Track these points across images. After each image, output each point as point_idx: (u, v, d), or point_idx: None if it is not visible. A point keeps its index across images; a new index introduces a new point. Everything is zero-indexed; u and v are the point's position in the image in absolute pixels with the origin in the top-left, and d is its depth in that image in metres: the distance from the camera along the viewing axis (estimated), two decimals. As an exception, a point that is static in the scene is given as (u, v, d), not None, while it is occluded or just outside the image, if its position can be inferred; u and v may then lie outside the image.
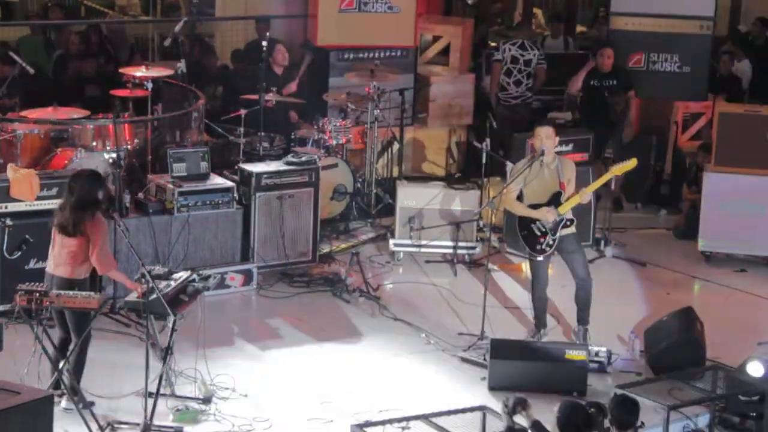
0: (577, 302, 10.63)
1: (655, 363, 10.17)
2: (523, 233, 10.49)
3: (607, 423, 7.74)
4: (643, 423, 7.59)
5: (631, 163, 10.60)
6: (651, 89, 14.73)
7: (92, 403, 9.00)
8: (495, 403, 8.44)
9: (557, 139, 10.56)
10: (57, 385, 8.95)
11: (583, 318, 10.62)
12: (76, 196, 9.05)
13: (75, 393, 8.87)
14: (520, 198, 10.50)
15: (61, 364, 8.88)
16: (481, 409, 8.64)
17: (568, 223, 10.41)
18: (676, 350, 10.07)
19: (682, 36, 14.79)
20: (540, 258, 10.45)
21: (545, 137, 10.39)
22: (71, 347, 9.00)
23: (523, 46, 14.82)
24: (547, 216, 10.34)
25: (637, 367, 10.24)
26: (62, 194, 9.47)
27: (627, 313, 11.44)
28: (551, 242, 10.38)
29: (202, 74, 14.29)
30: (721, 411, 9.52)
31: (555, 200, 10.38)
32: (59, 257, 9.08)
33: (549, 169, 10.43)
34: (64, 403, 8.92)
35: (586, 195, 10.42)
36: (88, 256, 9.01)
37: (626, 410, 7.57)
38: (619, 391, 9.02)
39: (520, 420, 7.84)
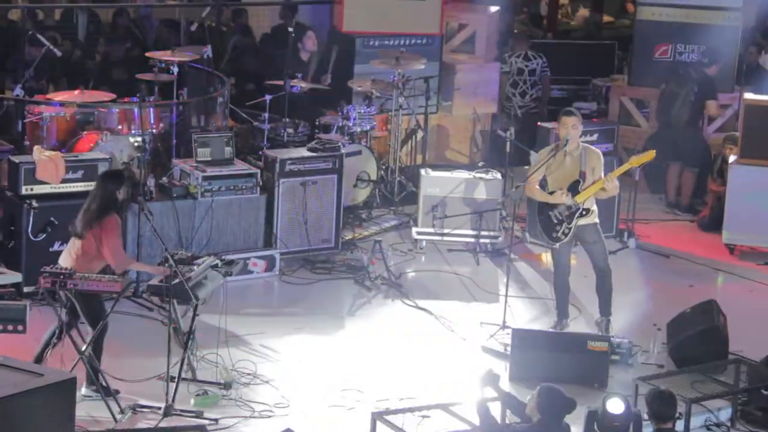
0: (598, 293, 10.62)
1: (677, 355, 10.14)
2: (541, 220, 10.48)
3: (645, 416, 7.75)
4: (681, 414, 7.59)
5: (650, 155, 10.62)
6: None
7: (117, 392, 9.02)
8: (516, 393, 8.43)
9: (581, 128, 10.56)
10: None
11: (605, 309, 10.60)
12: (96, 201, 9.04)
13: (96, 379, 8.89)
14: (542, 187, 10.49)
15: (84, 348, 8.90)
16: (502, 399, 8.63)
17: (584, 212, 10.39)
18: (698, 343, 10.03)
19: (709, 27, 14.73)
20: (556, 246, 10.44)
21: (571, 126, 10.38)
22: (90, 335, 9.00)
23: (527, 56, 15.02)
24: (561, 199, 10.33)
25: (659, 360, 10.22)
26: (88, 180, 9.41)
27: (650, 305, 11.43)
28: (567, 231, 10.37)
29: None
30: (743, 405, 9.49)
31: (573, 189, 10.37)
32: (68, 254, 9.06)
33: (571, 157, 10.42)
34: (84, 390, 8.92)
35: (610, 183, 10.38)
36: (96, 254, 9.01)
37: (664, 403, 7.58)
38: (642, 383, 9.03)
39: (491, 393, 8.01)
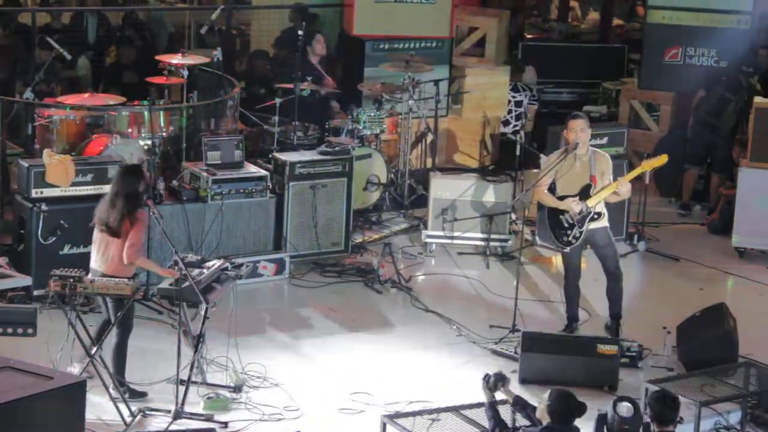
0: (609, 296, 10.62)
1: (687, 359, 10.13)
2: (552, 225, 10.48)
3: (647, 418, 7.74)
4: (681, 418, 7.58)
5: (662, 159, 10.62)
6: (687, 84, 14.65)
7: (145, 393, 9.09)
8: (526, 396, 8.41)
9: (590, 131, 10.54)
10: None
11: (615, 312, 10.60)
12: (120, 196, 9.07)
13: (121, 384, 8.95)
14: (552, 190, 10.49)
15: (93, 351, 8.92)
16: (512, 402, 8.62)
17: (596, 216, 10.38)
18: (708, 346, 10.02)
19: (719, 30, 14.70)
20: (567, 250, 10.44)
21: (579, 130, 10.37)
22: (106, 334, 9.04)
23: (516, 88, 15.04)
24: (572, 207, 10.33)
25: (669, 363, 10.21)
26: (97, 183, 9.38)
27: (659, 308, 11.41)
28: (578, 234, 10.36)
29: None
30: (753, 408, 9.48)
31: (584, 193, 10.36)
32: (106, 256, 9.07)
33: (581, 162, 10.41)
34: (112, 392, 8.92)
35: (622, 187, 10.37)
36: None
37: (667, 406, 7.58)
38: (651, 387, 9.01)
39: (500, 395, 7.98)
